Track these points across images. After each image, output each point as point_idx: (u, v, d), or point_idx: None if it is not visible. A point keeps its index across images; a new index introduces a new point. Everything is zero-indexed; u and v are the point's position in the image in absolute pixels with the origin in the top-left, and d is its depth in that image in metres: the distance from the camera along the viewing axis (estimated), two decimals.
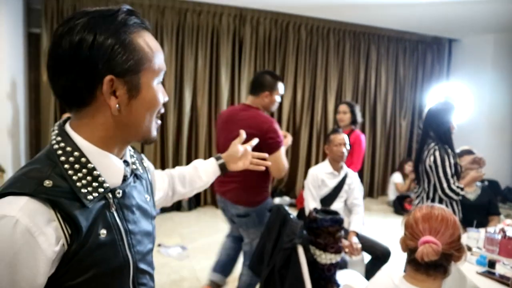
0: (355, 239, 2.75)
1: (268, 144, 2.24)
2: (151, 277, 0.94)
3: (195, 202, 5.24)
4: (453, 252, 1.29)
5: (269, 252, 2.26)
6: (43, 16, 4.48)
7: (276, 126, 2.37)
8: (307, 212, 2.73)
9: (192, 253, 3.75)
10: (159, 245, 3.77)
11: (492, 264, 2.02)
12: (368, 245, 2.81)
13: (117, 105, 0.76)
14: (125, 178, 0.84)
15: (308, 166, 5.66)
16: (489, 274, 1.94)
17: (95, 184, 0.76)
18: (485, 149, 3.53)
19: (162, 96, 0.84)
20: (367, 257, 2.90)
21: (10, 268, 0.65)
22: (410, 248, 1.35)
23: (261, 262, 2.33)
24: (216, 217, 4.93)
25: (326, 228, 2.21)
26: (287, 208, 2.36)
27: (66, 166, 0.74)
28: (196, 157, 5.04)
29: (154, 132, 0.86)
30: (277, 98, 2.51)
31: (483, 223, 2.89)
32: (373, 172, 6.37)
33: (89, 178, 0.75)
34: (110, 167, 0.80)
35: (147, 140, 0.85)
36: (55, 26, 4.46)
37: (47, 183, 0.70)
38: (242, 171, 1.40)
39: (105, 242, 0.76)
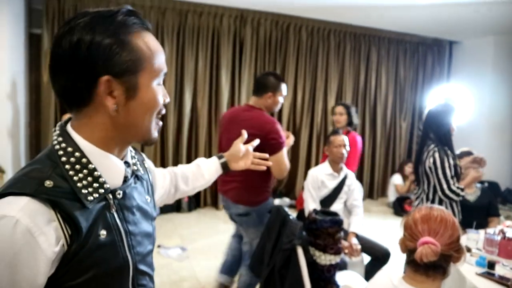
0: (354, 240, 2.75)
1: (270, 145, 2.25)
2: (151, 278, 0.94)
3: (195, 203, 5.25)
4: (452, 253, 1.29)
5: (269, 253, 2.26)
6: (44, 17, 4.49)
7: (279, 127, 2.38)
8: (306, 213, 2.73)
9: (192, 254, 3.75)
10: (159, 246, 3.77)
11: (491, 265, 2.02)
12: (367, 246, 2.81)
13: (114, 106, 0.76)
14: (125, 179, 0.84)
15: (308, 167, 5.66)
16: (489, 275, 1.95)
17: (95, 185, 0.76)
18: (485, 151, 3.54)
19: (162, 97, 0.83)
20: (366, 258, 2.90)
21: (10, 268, 0.66)
22: (409, 249, 1.35)
23: (261, 263, 2.33)
24: (216, 218, 4.93)
25: (325, 229, 2.21)
26: (286, 209, 2.36)
27: (67, 166, 0.74)
28: (196, 158, 5.04)
29: (155, 133, 0.85)
30: (280, 99, 2.52)
31: (482, 225, 2.89)
32: (373, 174, 6.37)
33: (89, 179, 0.76)
34: (111, 168, 0.80)
35: (148, 141, 0.85)
36: (56, 27, 4.50)
37: (48, 183, 0.70)
38: (243, 170, 1.42)
39: (105, 242, 0.76)
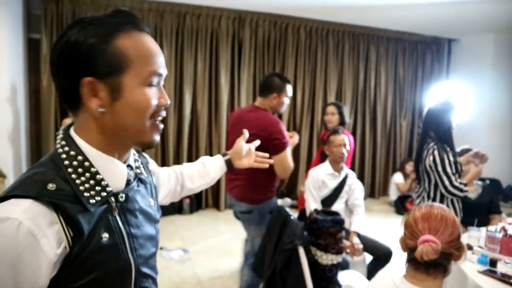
0: (356, 240, 2.75)
1: (274, 145, 2.29)
2: (154, 281, 0.94)
3: (197, 204, 5.25)
4: (452, 251, 1.29)
5: (270, 254, 2.26)
6: (42, 22, 4.50)
7: (282, 127, 2.40)
8: (308, 213, 2.73)
9: (194, 256, 3.75)
10: (161, 248, 3.78)
11: (493, 262, 2.02)
12: (369, 246, 2.81)
13: (98, 107, 0.76)
14: (128, 182, 0.85)
15: (308, 167, 5.65)
16: (491, 272, 1.94)
17: (98, 188, 0.77)
18: (486, 148, 3.53)
19: (157, 99, 0.81)
20: (368, 258, 2.90)
21: (13, 270, 0.66)
22: (409, 247, 1.35)
23: (263, 264, 2.33)
24: (217, 220, 4.94)
25: (327, 229, 2.21)
26: (288, 209, 2.36)
27: (70, 170, 0.75)
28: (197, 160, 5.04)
29: (153, 137, 0.83)
30: (285, 100, 2.54)
31: (484, 222, 2.89)
32: (374, 173, 6.36)
33: (92, 182, 0.76)
34: (113, 171, 0.80)
35: (145, 144, 0.83)
36: (55, 32, 4.52)
37: (51, 186, 0.71)
38: (248, 169, 1.44)
39: (107, 245, 0.77)
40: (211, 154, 5.20)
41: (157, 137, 0.84)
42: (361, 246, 2.72)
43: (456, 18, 5.20)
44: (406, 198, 5.48)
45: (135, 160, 0.92)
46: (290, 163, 2.41)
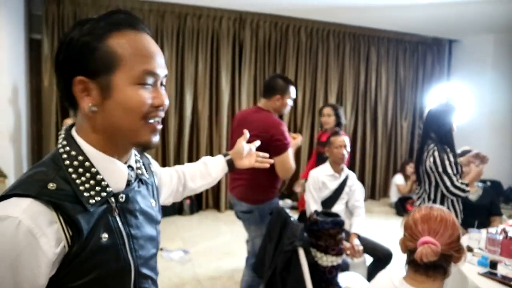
0: (356, 241, 2.75)
1: (275, 146, 2.31)
2: (154, 282, 0.94)
3: (197, 205, 5.25)
4: (452, 253, 1.29)
5: (270, 255, 2.26)
6: (44, 22, 4.51)
7: (284, 128, 2.42)
8: (308, 214, 2.73)
9: (194, 256, 3.75)
10: (161, 249, 3.78)
11: (493, 265, 2.01)
12: (369, 247, 2.81)
13: (90, 106, 0.76)
14: (129, 183, 0.85)
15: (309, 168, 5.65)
16: (491, 275, 1.94)
17: (98, 188, 0.77)
18: (487, 150, 3.53)
19: (149, 99, 0.78)
20: (369, 259, 2.89)
21: (12, 269, 0.67)
22: (409, 249, 1.35)
23: (264, 264, 2.33)
24: (217, 221, 4.94)
25: (327, 231, 2.21)
26: (288, 210, 2.37)
27: (70, 170, 0.75)
28: (197, 160, 5.04)
29: (149, 137, 0.81)
30: (289, 102, 2.56)
31: (484, 224, 2.88)
32: (374, 174, 6.36)
33: (92, 182, 0.77)
34: (113, 171, 0.81)
35: (141, 145, 0.82)
36: (56, 32, 4.52)
37: (51, 186, 0.71)
38: (250, 169, 1.46)
39: (106, 245, 0.77)
40: (211, 155, 5.19)
41: (154, 138, 0.82)
42: (361, 247, 2.72)
43: (457, 18, 5.20)
44: (407, 200, 5.47)
45: (137, 161, 0.92)
46: (292, 164, 2.43)
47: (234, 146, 1.42)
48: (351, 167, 5.84)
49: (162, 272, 0.99)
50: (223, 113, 5.27)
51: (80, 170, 0.76)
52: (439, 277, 1.31)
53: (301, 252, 2.12)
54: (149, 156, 1.05)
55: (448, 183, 2.42)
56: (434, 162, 2.45)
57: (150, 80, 0.79)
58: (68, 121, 3.75)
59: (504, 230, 2.28)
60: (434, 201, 2.52)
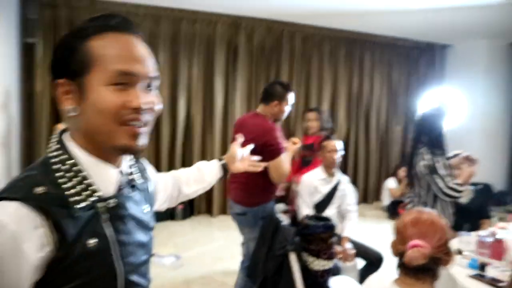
0: (348, 245, 2.75)
1: (269, 151, 2.35)
2: None
3: (190, 210, 5.23)
4: (441, 256, 1.30)
5: (262, 259, 2.26)
6: (38, 26, 4.49)
7: (278, 133, 2.46)
8: (300, 218, 2.74)
9: (186, 262, 3.73)
10: (152, 254, 3.75)
11: (483, 267, 2.03)
12: (361, 251, 2.81)
13: (70, 108, 0.77)
14: (120, 188, 0.84)
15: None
16: (480, 277, 1.96)
17: (86, 192, 0.76)
18: (478, 153, 3.55)
19: (122, 100, 0.76)
20: (361, 263, 2.90)
21: None
22: (399, 252, 1.36)
23: (257, 269, 2.33)
24: (210, 226, 4.92)
25: (318, 235, 2.21)
26: (281, 215, 2.37)
27: (59, 174, 0.75)
28: (190, 165, 4.97)
29: (128, 141, 0.78)
30: (287, 108, 2.61)
31: (475, 227, 2.91)
32: (367, 178, 6.39)
33: (80, 186, 0.76)
34: (103, 176, 0.80)
35: (120, 149, 0.79)
36: (51, 36, 4.50)
37: (39, 189, 0.71)
38: (246, 173, 1.48)
39: (93, 251, 0.75)
40: (204, 159, 5.18)
41: (135, 142, 0.79)
42: (353, 251, 2.72)
43: (450, 24, 5.26)
44: (399, 203, 5.48)
45: (130, 166, 0.91)
46: (286, 168, 2.45)
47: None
48: (344, 171, 5.86)
49: (153, 278, 0.98)
50: (216, 117, 5.27)
51: (69, 174, 0.76)
52: (428, 280, 1.32)
53: (293, 257, 2.12)
54: (145, 162, 1.04)
55: (442, 185, 2.43)
56: (425, 165, 2.47)
57: (125, 80, 0.76)
58: (60, 126, 3.72)
59: (493, 233, 2.30)
60: (426, 205, 2.53)
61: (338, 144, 2.98)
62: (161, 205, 1.20)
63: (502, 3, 4.20)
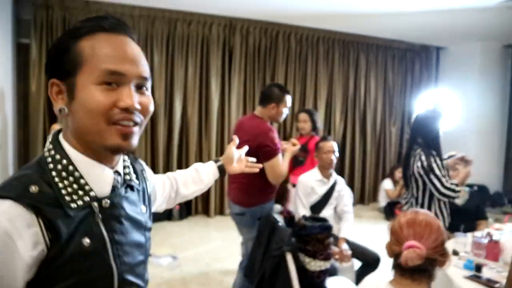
0: (345, 246, 2.76)
1: (264, 152, 2.40)
2: None
3: (186, 211, 5.22)
4: (437, 256, 1.30)
5: (259, 260, 2.26)
6: (32, 27, 4.47)
7: (273, 135, 2.50)
8: (296, 219, 2.74)
9: (183, 262, 3.72)
10: (149, 255, 3.74)
11: (479, 268, 2.04)
12: (358, 252, 2.82)
13: (61, 107, 0.78)
14: (115, 188, 0.83)
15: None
16: (476, 278, 1.96)
17: (80, 192, 0.76)
18: (474, 155, 3.58)
19: (110, 99, 0.75)
20: (357, 264, 2.91)
21: None
22: (395, 253, 1.36)
23: (254, 269, 2.33)
24: (207, 226, 4.92)
25: (315, 235, 2.21)
26: (278, 215, 2.38)
27: (54, 173, 0.75)
28: (187, 166, 4.98)
29: (117, 141, 0.77)
30: (284, 110, 2.64)
31: (471, 228, 2.92)
32: (363, 179, 6.40)
33: (75, 186, 0.76)
34: (98, 176, 0.80)
35: (109, 149, 0.78)
36: (45, 37, 4.48)
37: (33, 189, 0.71)
38: (244, 174, 1.50)
39: (87, 251, 0.75)
40: (201, 159, 5.19)
41: (126, 142, 0.78)
42: (349, 252, 2.73)
43: (444, 26, 5.29)
44: (396, 204, 5.50)
45: (125, 166, 0.90)
46: (282, 169, 2.49)
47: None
48: (341, 172, 5.88)
49: (150, 278, 0.97)
50: (212, 118, 5.27)
51: (64, 174, 0.76)
52: (424, 281, 1.33)
53: (289, 257, 2.12)
54: (143, 163, 1.04)
55: (438, 185, 2.44)
56: (422, 166, 2.48)
57: (113, 80, 0.76)
58: (56, 127, 3.71)
59: (488, 234, 2.31)
60: (422, 206, 2.54)
61: (334, 145, 2.99)
62: (159, 206, 1.20)
63: (496, 5, 4.23)
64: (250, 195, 2.57)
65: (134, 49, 0.80)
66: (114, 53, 0.76)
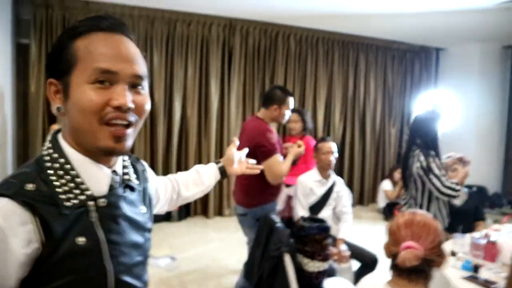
0: (343, 247, 2.76)
1: (261, 152, 2.44)
2: None
3: (185, 212, 5.22)
4: (434, 257, 1.31)
5: (257, 261, 2.26)
6: (32, 27, 4.47)
7: (270, 135, 2.53)
8: (295, 220, 2.74)
9: (182, 263, 3.72)
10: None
11: (476, 269, 2.04)
12: (356, 253, 2.82)
13: (57, 108, 0.78)
14: (112, 188, 0.83)
15: None
16: (474, 278, 1.96)
17: (76, 191, 0.76)
18: (473, 156, 3.58)
19: (102, 98, 0.74)
20: (356, 265, 2.90)
21: None
22: (393, 253, 1.36)
23: (253, 270, 2.33)
24: (206, 227, 4.91)
25: (313, 236, 2.21)
26: (277, 216, 2.38)
27: (50, 171, 0.76)
28: (186, 167, 5.03)
29: (109, 143, 0.77)
30: (286, 112, 2.68)
31: (469, 229, 2.92)
32: (363, 180, 6.40)
33: (71, 184, 0.76)
34: (95, 175, 0.80)
35: (102, 150, 0.78)
36: (44, 37, 4.48)
37: (30, 187, 0.72)
38: (246, 175, 1.52)
39: (81, 249, 0.75)
40: (200, 160, 5.19)
41: (118, 144, 0.78)
42: (348, 253, 2.73)
43: (444, 27, 5.29)
44: (395, 205, 5.49)
45: (124, 166, 0.90)
46: (280, 169, 2.50)
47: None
48: (340, 172, 5.88)
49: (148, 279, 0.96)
50: (212, 119, 5.27)
51: (60, 172, 0.76)
52: (421, 281, 1.33)
53: (287, 258, 2.12)
54: (144, 163, 1.04)
55: (438, 184, 2.44)
56: (421, 166, 2.48)
57: (106, 78, 0.75)
58: (55, 127, 3.71)
59: (487, 235, 2.31)
60: (421, 206, 2.54)
61: (333, 146, 2.99)
62: (161, 208, 1.20)
63: (496, 6, 4.24)
64: (251, 196, 2.62)
65: (129, 48, 0.80)
66: (107, 52, 0.76)
